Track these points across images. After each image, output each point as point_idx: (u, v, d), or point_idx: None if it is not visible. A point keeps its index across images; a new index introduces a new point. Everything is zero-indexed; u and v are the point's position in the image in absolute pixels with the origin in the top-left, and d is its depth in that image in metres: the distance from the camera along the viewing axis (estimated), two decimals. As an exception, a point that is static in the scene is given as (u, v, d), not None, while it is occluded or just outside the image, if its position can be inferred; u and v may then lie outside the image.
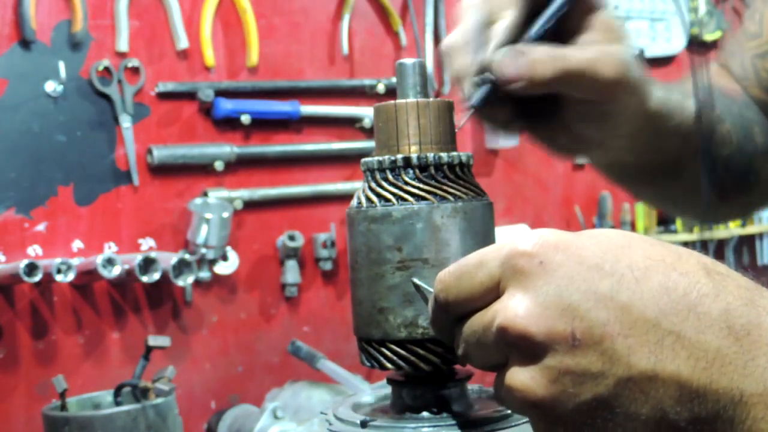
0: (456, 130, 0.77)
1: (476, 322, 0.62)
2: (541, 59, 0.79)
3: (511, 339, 0.58)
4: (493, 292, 0.61)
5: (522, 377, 0.58)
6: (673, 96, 0.95)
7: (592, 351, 0.56)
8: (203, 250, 2.17)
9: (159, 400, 1.75)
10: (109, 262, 1.96)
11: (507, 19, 0.80)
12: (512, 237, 0.62)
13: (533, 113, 0.87)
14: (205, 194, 2.24)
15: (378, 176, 0.75)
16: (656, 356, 0.56)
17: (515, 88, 0.80)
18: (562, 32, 0.83)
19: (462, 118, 0.81)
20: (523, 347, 0.58)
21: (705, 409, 0.55)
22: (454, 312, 0.64)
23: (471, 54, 0.81)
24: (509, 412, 0.74)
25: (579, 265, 0.58)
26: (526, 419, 0.73)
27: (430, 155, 0.74)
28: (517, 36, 0.81)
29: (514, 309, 0.58)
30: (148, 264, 2.00)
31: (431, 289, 0.67)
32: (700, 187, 0.97)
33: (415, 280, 0.72)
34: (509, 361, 0.60)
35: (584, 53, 0.81)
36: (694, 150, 0.97)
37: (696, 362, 0.55)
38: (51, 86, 2.06)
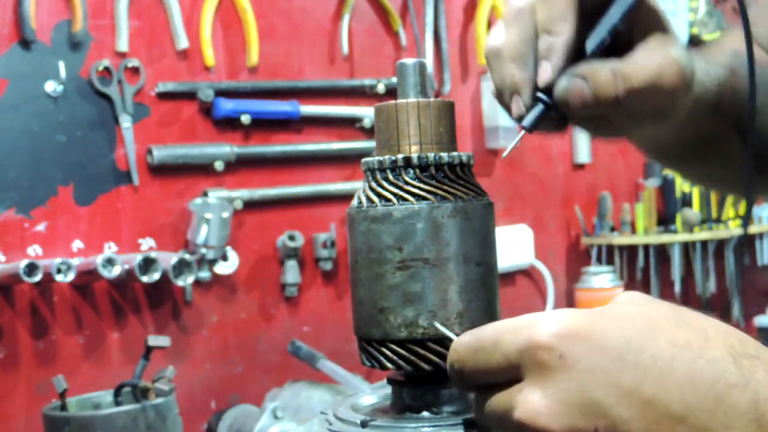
0: (504, 156, 0.77)
1: (495, 403, 0.61)
2: (606, 81, 0.74)
3: None
4: (510, 373, 0.60)
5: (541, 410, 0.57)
6: (710, 70, 0.88)
7: None
8: (203, 250, 2.17)
9: (159, 400, 1.75)
10: (109, 262, 1.96)
11: (562, 36, 0.74)
12: (529, 319, 0.60)
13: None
14: (205, 194, 2.24)
15: (378, 176, 0.75)
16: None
17: (577, 113, 0.76)
18: (615, 38, 0.77)
19: (514, 141, 0.78)
20: None
21: None
22: (470, 381, 0.64)
23: (522, 69, 0.76)
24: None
25: (601, 356, 0.56)
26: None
27: (431, 155, 0.74)
28: (573, 53, 0.76)
29: (533, 405, 0.57)
30: (148, 264, 2.00)
31: (453, 337, 0.67)
32: (743, 162, 0.91)
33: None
34: None
35: (646, 66, 0.75)
36: (729, 124, 0.92)
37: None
38: (51, 86, 2.06)
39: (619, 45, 0.77)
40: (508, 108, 0.79)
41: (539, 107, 0.77)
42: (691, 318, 0.58)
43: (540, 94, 0.76)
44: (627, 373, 0.55)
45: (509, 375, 0.60)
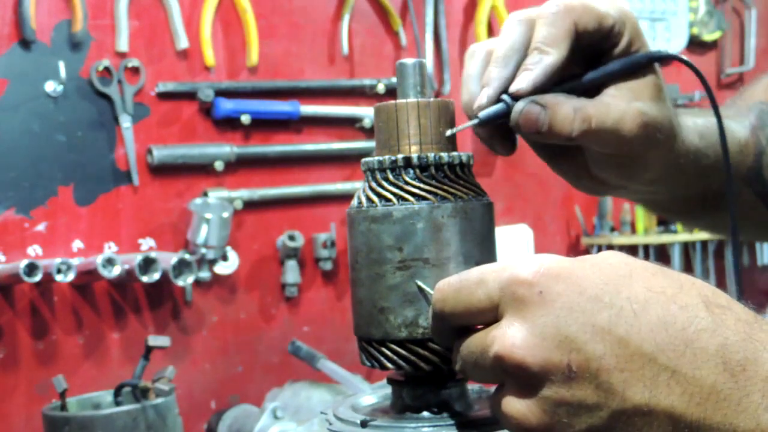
0: (448, 134, 0.77)
1: (474, 343, 0.63)
2: (565, 116, 0.77)
3: (508, 368, 0.59)
4: (490, 313, 0.62)
5: (518, 406, 0.59)
6: (710, 130, 0.90)
7: (587, 383, 0.57)
8: (203, 250, 2.17)
9: (159, 400, 1.75)
10: (109, 262, 1.96)
11: (552, 57, 0.77)
12: (514, 259, 0.62)
13: (552, 149, 0.86)
14: (205, 194, 2.24)
15: (378, 176, 0.75)
16: (651, 391, 0.56)
17: (531, 138, 0.80)
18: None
19: (463, 125, 0.80)
20: (519, 377, 0.59)
21: None
22: (451, 323, 0.65)
23: (501, 69, 0.79)
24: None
25: (579, 295, 0.59)
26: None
27: (431, 155, 0.74)
28: (553, 77, 0.78)
29: (511, 338, 0.59)
30: (148, 264, 2.00)
31: (433, 292, 0.68)
32: (753, 207, 0.95)
33: (418, 282, 0.72)
34: (505, 388, 0.61)
35: (609, 111, 0.79)
36: (741, 178, 0.95)
37: (690, 398, 0.56)
38: (51, 86, 2.06)
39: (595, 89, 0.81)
40: (467, 102, 0.83)
41: (500, 105, 0.78)
42: (667, 270, 0.61)
43: (505, 96, 0.78)
44: (603, 312, 0.58)
45: (489, 316, 0.62)
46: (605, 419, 0.57)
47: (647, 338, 0.57)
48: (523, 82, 0.77)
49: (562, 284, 0.59)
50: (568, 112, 0.77)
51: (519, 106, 0.77)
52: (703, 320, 0.57)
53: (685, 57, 0.87)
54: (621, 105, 0.79)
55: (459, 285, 0.64)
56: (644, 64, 0.81)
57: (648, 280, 0.59)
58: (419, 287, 0.72)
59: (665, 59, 0.83)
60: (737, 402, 0.56)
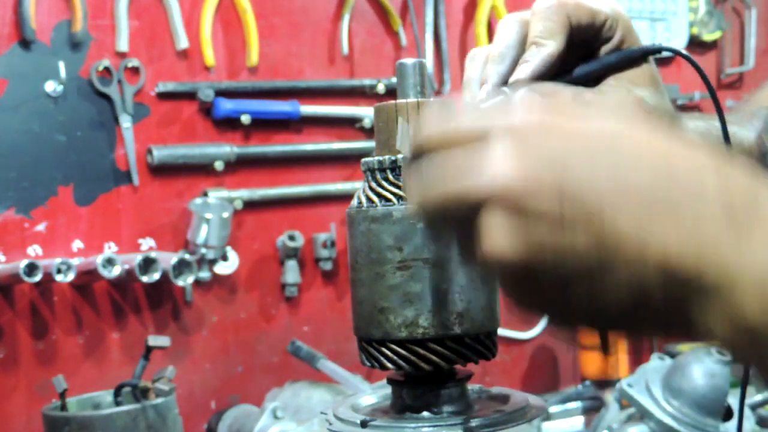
0: None
1: (448, 163, 0.57)
2: (563, 104, 0.78)
3: (495, 188, 0.54)
4: (477, 133, 0.56)
5: (500, 231, 0.54)
6: (711, 133, 0.89)
7: (579, 210, 0.53)
8: (203, 250, 2.17)
9: (159, 400, 1.75)
10: (109, 262, 1.96)
11: (549, 48, 0.79)
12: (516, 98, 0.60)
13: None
14: (205, 194, 2.24)
15: (378, 176, 0.75)
16: (644, 227, 0.53)
17: None
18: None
19: None
20: (505, 197, 0.54)
21: (686, 285, 0.53)
22: (424, 142, 0.59)
23: (498, 65, 0.80)
24: (510, 411, 0.73)
25: (579, 129, 0.55)
26: (526, 420, 0.73)
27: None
28: (551, 68, 0.80)
29: (502, 156, 0.54)
30: (148, 264, 2.00)
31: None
32: None
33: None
34: (487, 210, 0.55)
35: (609, 99, 0.79)
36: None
37: (686, 237, 0.52)
38: (51, 86, 2.06)
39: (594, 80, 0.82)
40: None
41: (499, 98, 0.78)
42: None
43: (505, 88, 0.79)
44: (602, 142, 0.54)
45: (476, 135, 0.56)
46: (592, 252, 0.53)
47: (645, 173, 0.53)
48: (522, 72, 0.79)
49: (565, 118, 0.56)
50: (567, 99, 0.78)
51: (519, 93, 0.78)
52: (708, 167, 0.54)
53: (682, 50, 0.88)
54: (621, 92, 0.80)
55: (453, 107, 0.60)
56: (640, 57, 0.82)
57: (660, 136, 0.56)
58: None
59: (661, 51, 0.84)
60: (735, 243, 0.52)
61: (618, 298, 0.54)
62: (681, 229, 0.53)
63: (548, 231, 0.53)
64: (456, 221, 0.58)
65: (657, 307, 0.54)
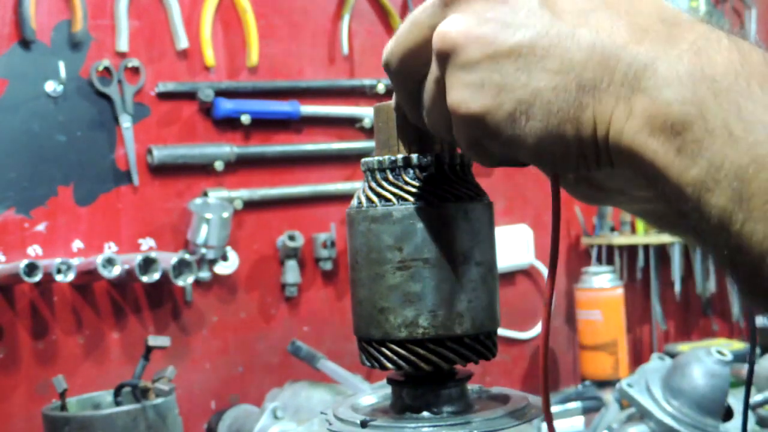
0: None
1: (417, 17, 0.65)
2: None
3: (440, 39, 0.60)
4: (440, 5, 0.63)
5: (451, 21, 0.60)
6: None
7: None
8: (203, 250, 2.17)
9: (159, 400, 1.75)
10: (109, 262, 1.96)
11: None
12: None
13: None
14: (205, 194, 2.24)
15: (378, 176, 0.75)
16: (579, 20, 0.57)
17: None
18: None
19: None
20: (447, 48, 0.60)
21: (615, 70, 0.56)
22: (404, 72, 0.66)
23: None
24: (509, 411, 0.73)
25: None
26: (526, 420, 0.73)
27: (431, 155, 0.74)
28: None
29: (451, 18, 0.60)
30: (148, 264, 2.00)
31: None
32: None
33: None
34: (445, 68, 0.61)
35: None
36: None
37: (625, 31, 0.56)
38: (51, 86, 2.06)
39: None
40: None
41: None
42: None
43: None
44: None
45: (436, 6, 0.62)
46: (531, 36, 0.57)
47: None
48: None
49: None
50: None
51: None
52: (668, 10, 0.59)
53: None
54: None
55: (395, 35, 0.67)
56: None
57: None
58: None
59: None
60: (665, 40, 0.56)
61: (550, 76, 0.57)
62: (613, 22, 0.57)
63: (492, 16, 0.58)
64: (417, 77, 0.65)
65: (584, 86, 0.56)
